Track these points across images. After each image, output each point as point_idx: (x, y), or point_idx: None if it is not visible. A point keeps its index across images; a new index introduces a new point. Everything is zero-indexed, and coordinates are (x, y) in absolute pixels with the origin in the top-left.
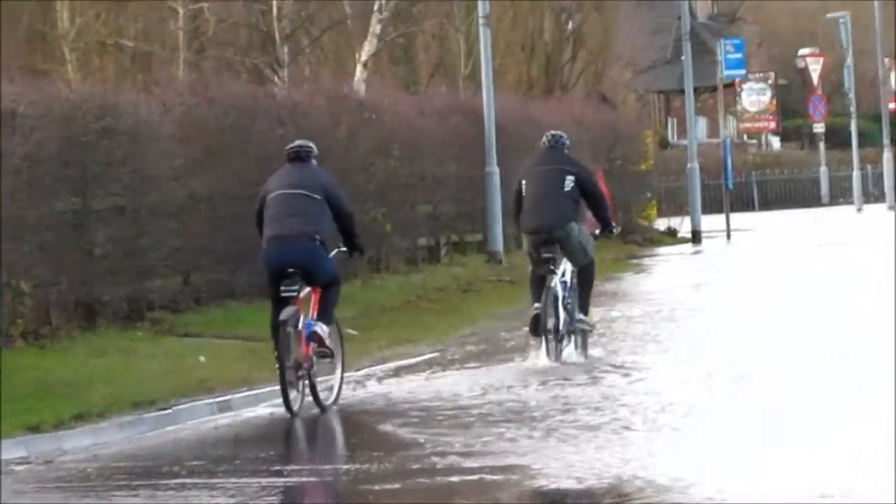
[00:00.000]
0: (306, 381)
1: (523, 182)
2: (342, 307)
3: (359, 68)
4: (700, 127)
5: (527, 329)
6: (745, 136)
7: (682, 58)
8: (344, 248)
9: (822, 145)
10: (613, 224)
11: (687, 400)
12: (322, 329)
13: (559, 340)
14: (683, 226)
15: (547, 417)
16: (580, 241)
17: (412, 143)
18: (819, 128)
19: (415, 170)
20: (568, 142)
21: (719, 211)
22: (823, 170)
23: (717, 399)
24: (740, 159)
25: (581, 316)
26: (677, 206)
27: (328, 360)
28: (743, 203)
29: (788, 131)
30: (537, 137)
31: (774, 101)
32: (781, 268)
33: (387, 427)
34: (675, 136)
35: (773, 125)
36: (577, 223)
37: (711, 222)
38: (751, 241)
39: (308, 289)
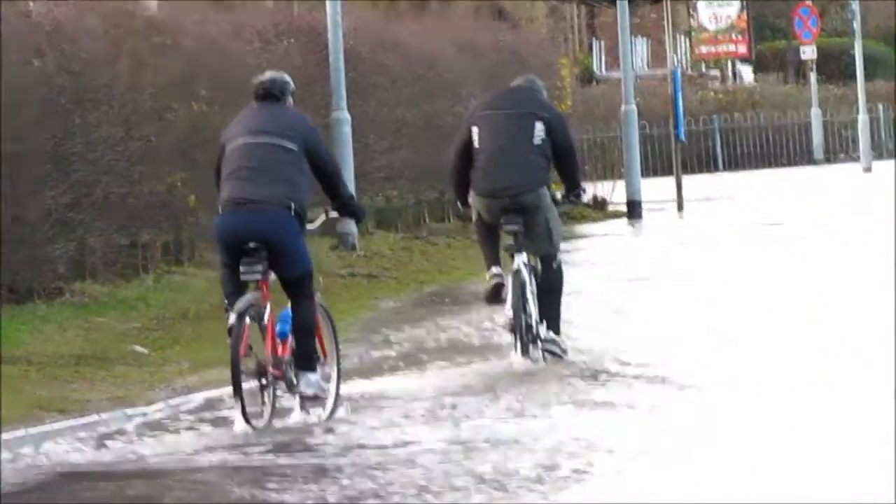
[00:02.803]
0: (274, 390)
1: (474, 129)
2: (125, 315)
3: None
4: (639, 53)
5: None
6: (703, 66)
7: None
8: (334, 214)
9: (812, 77)
10: (582, 187)
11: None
12: (308, 383)
13: (532, 340)
14: (616, 194)
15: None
16: (548, 220)
17: (226, 80)
18: (809, 52)
19: (229, 116)
20: (544, 90)
21: (667, 172)
22: (816, 112)
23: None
24: (697, 98)
25: (552, 335)
26: (606, 166)
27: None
28: (702, 161)
29: (765, 58)
30: (404, 69)
31: (745, 15)
32: (756, 254)
33: None
34: (604, 67)
35: (743, 49)
36: (549, 191)
37: (656, 188)
38: (712, 214)
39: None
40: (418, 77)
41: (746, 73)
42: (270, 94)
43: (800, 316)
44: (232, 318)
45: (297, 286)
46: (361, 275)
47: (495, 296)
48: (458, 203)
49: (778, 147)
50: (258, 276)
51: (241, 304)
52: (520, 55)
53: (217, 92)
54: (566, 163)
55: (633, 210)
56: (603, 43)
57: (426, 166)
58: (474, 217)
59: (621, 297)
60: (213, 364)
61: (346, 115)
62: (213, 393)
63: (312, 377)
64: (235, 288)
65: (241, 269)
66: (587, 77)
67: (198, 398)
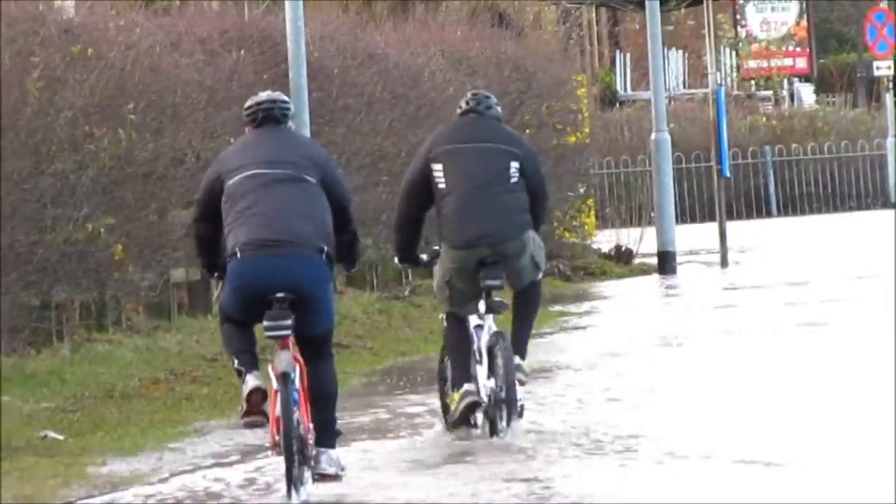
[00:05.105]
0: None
1: (436, 166)
2: (35, 393)
3: None
4: (674, 68)
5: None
6: (752, 85)
7: None
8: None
9: (889, 99)
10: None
11: None
12: (330, 460)
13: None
14: (644, 244)
15: None
16: (533, 256)
17: (160, 100)
18: (884, 68)
19: (165, 146)
20: (500, 109)
21: (708, 217)
22: (892, 143)
23: None
24: (745, 125)
25: (518, 360)
26: (633, 208)
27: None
28: (751, 203)
29: (829, 75)
30: (382, 88)
31: (804, 21)
32: (819, 326)
33: None
34: (629, 86)
35: (802, 64)
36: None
37: (694, 237)
38: (764, 271)
39: None
40: (399, 98)
41: (806, 93)
42: (271, 118)
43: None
44: (253, 382)
45: (321, 344)
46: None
47: (465, 421)
48: (398, 258)
49: (845, 186)
50: (288, 332)
51: (282, 363)
52: (525, 70)
53: (149, 115)
54: (533, 210)
55: (666, 264)
56: (628, 56)
57: None
58: (443, 303)
59: (638, 369)
60: (144, 453)
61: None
62: (145, 489)
63: (334, 454)
64: (250, 344)
65: (267, 323)
66: (609, 98)
67: (126, 496)
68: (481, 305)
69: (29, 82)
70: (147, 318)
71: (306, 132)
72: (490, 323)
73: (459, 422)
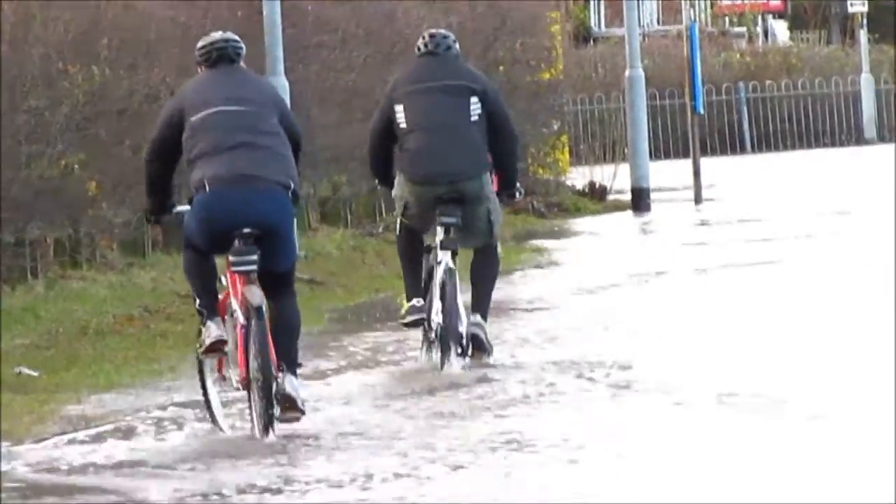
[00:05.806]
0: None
1: (398, 108)
2: (10, 330)
3: None
4: (647, 5)
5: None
6: (726, 21)
7: None
8: None
9: (863, 35)
10: (518, 187)
11: None
12: (293, 384)
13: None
14: (618, 181)
15: None
16: (489, 212)
17: (134, 37)
18: (858, 4)
19: (139, 83)
20: (458, 46)
21: (682, 154)
22: (866, 79)
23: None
24: (719, 61)
25: (478, 318)
26: (606, 145)
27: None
28: (725, 139)
29: (803, 11)
30: (356, 25)
31: None
32: (792, 263)
33: None
34: (604, 23)
35: (776, 1)
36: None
37: (668, 174)
38: (738, 207)
39: None
40: (373, 35)
41: (780, 30)
42: (225, 57)
43: (813, 338)
44: (216, 332)
45: (285, 282)
46: (303, 280)
47: (415, 325)
48: (378, 183)
49: (819, 123)
50: (254, 267)
51: (255, 297)
52: (498, 8)
53: (122, 52)
54: (503, 148)
55: (640, 201)
56: None
57: None
58: (398, 212)
59: (610, 305)
60: (116, 389)
61: (284, 82)
62: (119, 426)
63: (296, 381)
64: (211, 279)
65: (233, 258)
66: (583, 35)
67: (99, 433)
68: (438, 236)
69: (2, 19)
70: (121, 255)
71: (280, 69)
72: (448, 259)
73: (408, 326)
